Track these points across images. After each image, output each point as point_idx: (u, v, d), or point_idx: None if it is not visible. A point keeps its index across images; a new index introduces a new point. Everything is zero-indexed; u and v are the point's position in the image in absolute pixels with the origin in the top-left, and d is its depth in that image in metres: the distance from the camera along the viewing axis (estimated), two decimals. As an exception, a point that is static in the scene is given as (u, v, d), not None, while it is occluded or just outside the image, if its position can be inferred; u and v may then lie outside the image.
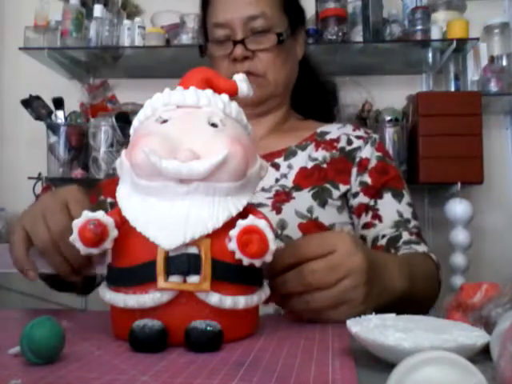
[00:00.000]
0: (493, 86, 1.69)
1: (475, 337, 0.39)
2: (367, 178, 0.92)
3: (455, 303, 0.49)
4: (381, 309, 0.61)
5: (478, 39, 1.68)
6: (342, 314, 0.56)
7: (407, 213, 0.90)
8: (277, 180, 0.92)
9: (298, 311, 0.58)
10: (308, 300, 0.56)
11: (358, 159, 0.94)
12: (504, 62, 1.73)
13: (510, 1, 1.89)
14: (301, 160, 0.94)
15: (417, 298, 0.72)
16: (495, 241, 1.84)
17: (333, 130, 0.99)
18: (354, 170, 0.93)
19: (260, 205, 0.85)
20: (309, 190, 0.89)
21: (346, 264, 0.56)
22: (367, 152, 0.95)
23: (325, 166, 0.93)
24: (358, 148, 0.95)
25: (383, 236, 0.87)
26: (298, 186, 0.90)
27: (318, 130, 1.00)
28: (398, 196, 0.92)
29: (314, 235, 0.61)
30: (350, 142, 0.96)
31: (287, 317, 0.62)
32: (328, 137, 0.98)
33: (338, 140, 0.97)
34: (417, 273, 0.74)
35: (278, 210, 0.85)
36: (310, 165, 0.93)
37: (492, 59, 1.74)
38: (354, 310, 0.57)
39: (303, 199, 0.88)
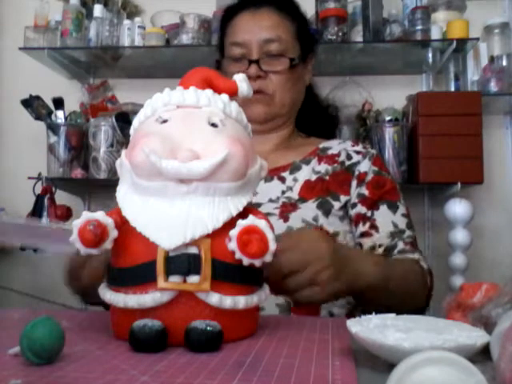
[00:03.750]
0: (493, 86, 1.69)
1: (475, 337, 0.39)
2: (365, 191, 0.97)
3: (455, 303, 0.49)
4: (356, 292, 0.73)
5: (478, 39, 1.67)
6: (316, 294, 0.65)
7: (402, 224, 0.96)
8: (283, 192, 0.97)
9: (290, 296, 0.67)
10: (295, 284, 0.64)
11: (356, 172, 1.00)
12: (504, 62, 1.73)
13: (510, 1, 1.89)
14: (305, 173, 1.00)
15: (392, 291, 0.78)
16: (495, 241, 1.84)
17: (334, 146, 1.05)
18: (354, 183, 0.99)
19: (268, 214, 0.89)
20: (313, 201, 0.95)
21: (313, 249, 0.65)
22: (365, 166, 1.00)
23: (327, 178, 0.99)
24: (357, 162, 1.01)
25: (380, 245, 0.93)
26: (303, 199, 0.96)
27: (320, 146, 1.06)
28: (393, 207, 0.97)
29: (285, 234, 0.70)
30: (349, 157, 1.02)
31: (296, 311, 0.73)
32: (329, 152, 1.04)
33: (338, 155, 1.03)
34: (395, 269, 0.82)
35: (286, 219, 0.91)
36: (313, 177, 0.99)
37: (492, 59, 1.74)
38: (325, 289, 0.65)
39: (309, 209, 0.94)
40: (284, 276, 0.63)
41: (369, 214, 0.95)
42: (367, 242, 0.93)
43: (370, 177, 0.99)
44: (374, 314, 0.47)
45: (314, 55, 1.13)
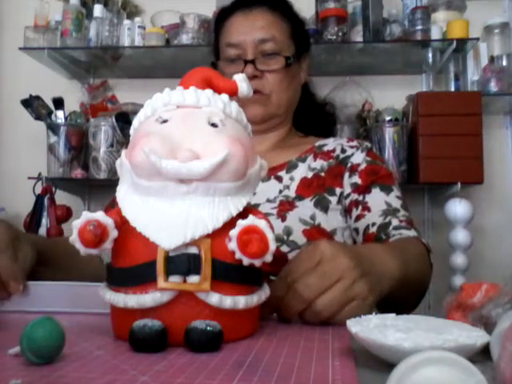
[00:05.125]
0: (493, 86, 1.69)
1: (475, 337, 0.39)
2: (357, 179, 0.97)
3: (455, 303, 0.49)
4: (386, 295, 0.64)
5: (478, 39, 1.67)
6: (357, 310, 0.57)
7: (396, 204, 0.93)
8: (280, 191, 0.97)
9: (315, 323, 0.58)
10: (317, 310, 0.56)
11: (349, 164, 0.99)
12: (504, 62, 1.73)
13: (510, 1, 1.89)
14: (301, 171, 1.00)
15: (413, 279, 0.74)
16: (495, 241, 1.84)
17: (329, 143, 1.06)
18: (346, 175, 0.98)
19: (266, 214, 0.87)
20: (310, 199, 0.95)
21: (334, 268, 0.57)
22: (358, 158, 1.00)
23: (323, 174, 0.99)
24: (351, 155, 1.01)
25: (373, 224, 0.90)
26: (300, 196, 0.95)
27: (316, 144, 1.06)
28: (386, 189, 0.95)
29: (294, 258, 0.61)
30: (343, 151, 1.02)
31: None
32: (325, 148, 1.04)
33: (333, 150, 1.03)
34: (408, 255, 0.76)
35: (283, 218, 0.90)
36: (309, 174, 0.99)
37: (492, 59, 1.74)
38: (366, 301, 0.58)
39: (306, 208, 0.93)
40: (306, 306, 0.57)
41: (360, 198, 0.94)
42: (361, 224, 0.92)
43: (362, 166, 0.98)
44: (374, 313, 0.47)
45: (309, 54, 1.14)
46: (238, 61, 1.02)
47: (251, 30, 1.02)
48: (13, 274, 0.62)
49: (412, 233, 0.87)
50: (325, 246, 0.59)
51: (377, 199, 0.93)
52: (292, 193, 0.96)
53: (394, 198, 0.94)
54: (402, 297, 0.75)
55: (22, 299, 0.65)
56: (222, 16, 1.09)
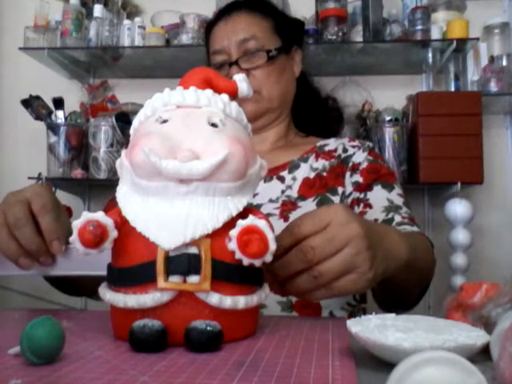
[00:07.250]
0: (493, 86, 1.69)
1: (475, 337, 0.39)
2: (358, 178, 0.97)
3: (455, 303, 0.49)
4: (390, 274, 0.63)
5: (478, 39, 1.67)
6: (352, 283, 0.56)
7: (398, 201, 0.92)
8: (282, 191, 0.97)
9: (306, 291, 0.57)
10: (315, 275, 0.55)
11: (350, 163, 0.99)
12: (504, 62, 1.73)
13: (510, 1, 1.89)
14: (303, 171, 1.00)
15: (419, 266, 0.73)
16: (495, 241, 1.84)
17: (331, 143, 1.06)
18: (348, 174, 0.98)
19: (268, 215, 0.89)
20: (313, 199, 0.95)
21: (343, 233, 0.55)
22: (359, 157, 1.00)
23: (325, 174, 0.99)
24: (353, 154, 1.01)
25: (375, 220, 0.89)
26: (302, 196, 0.95)
27: (318, 144, 1.06)
28: (387, 187, 0.94)
29: (307, 213, 0.59)
30: (345, 150, 1.02)
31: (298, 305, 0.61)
32: (327, 148, 1.04)
33: (335, 150, 1.03)
34: (416, 243, 0.75)
35: (286, 218, 0.90)
36: (312, 175, 0.99)
37: (492, 59, 1.74)
38: (363, 276, 0.56)
39: (308, 208, 0.92)
40: (303, 270, 0.56)
41: (362, 195, 0.94)
42: None
43: (364, 165, 0.98)
44: (374, 313, 0.47)
45: (302, 48, 1.14)
46: (225, 66, 1.04)
47: (232, 34, 1.04)
48: (56, 233, 0.62)
49: (415, 229, 0.87)
50: (338, 208, 0.58)
51: (378, 196, 0.93)
52: (294, 193, 0.96)
53: (395, 196, 0.93)
54: (407, 283, 0.75)
55: (63, 262, 0.63)
56: (208, 29, 1.12)
